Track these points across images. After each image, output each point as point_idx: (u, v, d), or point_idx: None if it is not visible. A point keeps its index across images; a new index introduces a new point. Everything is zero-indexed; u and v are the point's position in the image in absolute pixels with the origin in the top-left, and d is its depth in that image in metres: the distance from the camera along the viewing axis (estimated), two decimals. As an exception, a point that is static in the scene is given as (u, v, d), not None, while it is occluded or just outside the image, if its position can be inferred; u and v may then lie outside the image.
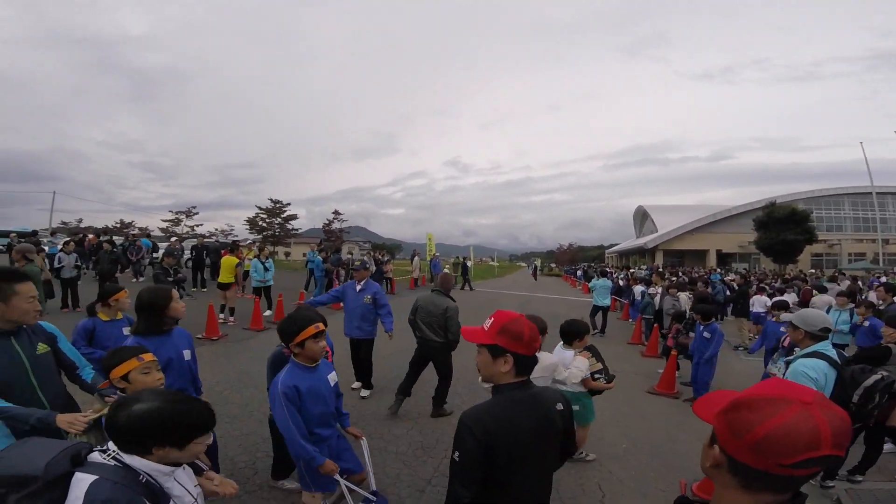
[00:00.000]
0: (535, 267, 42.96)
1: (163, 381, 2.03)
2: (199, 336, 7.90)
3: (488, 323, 1.64)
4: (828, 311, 6.72)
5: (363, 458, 2.81)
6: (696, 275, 19.49)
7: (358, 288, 5.56)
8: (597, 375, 3.85)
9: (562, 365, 3.72)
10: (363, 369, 5.82)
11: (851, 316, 6.52)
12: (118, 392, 1.93)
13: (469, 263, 25.54)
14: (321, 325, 2.48)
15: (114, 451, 1.28)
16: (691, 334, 6.46)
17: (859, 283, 15.20)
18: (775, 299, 7.21)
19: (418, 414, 5.07)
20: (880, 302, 6.83)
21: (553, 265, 67.93)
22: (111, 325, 3.61)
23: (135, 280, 13.04)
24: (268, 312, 10.26)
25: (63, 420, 1.96)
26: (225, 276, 9.74)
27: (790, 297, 11.68)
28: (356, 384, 5.82)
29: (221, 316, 9.36)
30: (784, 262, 35.56)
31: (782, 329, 5.53)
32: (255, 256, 11.19)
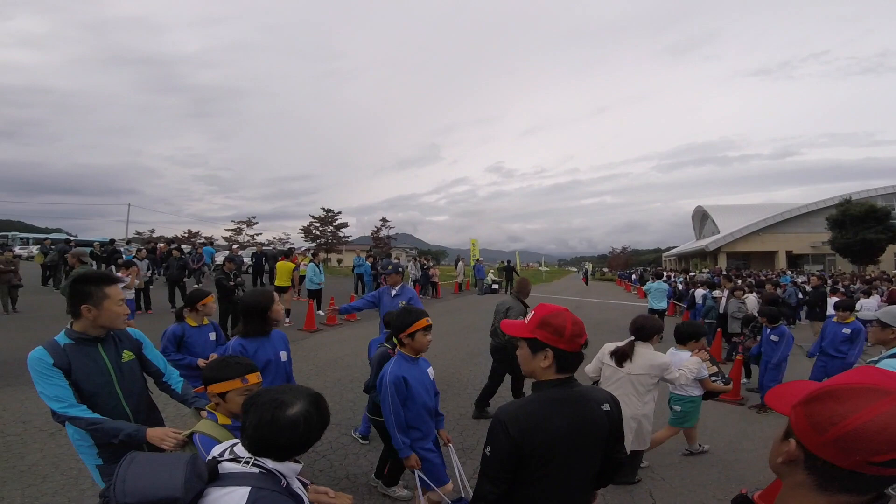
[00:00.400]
0: (587, 271, 41.74)
1: None
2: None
3: (529, 315, 1.58)
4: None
5: (450, 464, 2.81)
6: (764, 277, 18.16)
7: (393, 293, 5.27)
8: (714, 378, 3.87)
9: (674, 366, 3.61)
10: None
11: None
12: (209, 412, 1.83)
13: (515, 267, 25.22)
14: (430, 321, 2.66)
15: (250, 458, 1.20)
16: (758, 338, 6.03)
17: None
18: (839, 300, 6.45)
19: (460, 415, 5.03)
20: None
21: (606, 269, 65.68)
22: (199, 330, 3.66)
23: (197, 285, 13.95)
24: (320, 313, 10.66)
25: (154, 436, 1.90)
26: (282, 280, 10.28)
27: (874, 300, 10.60)
28: None
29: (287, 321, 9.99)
30: (864, 263, 32.38)
31: (844, 331, 5.15)
32: (310, 261, 11.69)
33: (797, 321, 11.53)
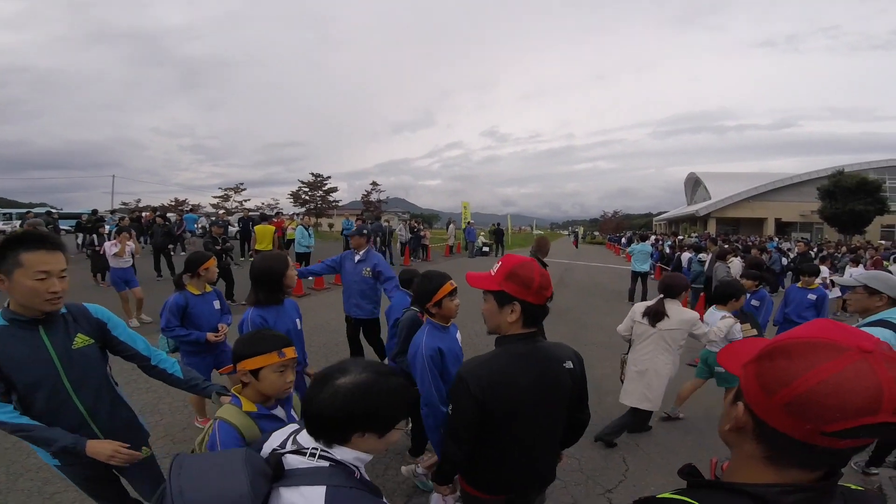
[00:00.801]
0: (577, 235, 41.90)
1: (293, 383, 1.66)
2: (244, 303, 8.24)
3: (496, 267, 1.50)
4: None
5: None
6: (751, 242, 18.33)
7: (356, 258, 4.63)
8: None
9: (706, 323, 3.71)
10: (375, 353, 5.06)
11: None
12: (232, 395, 1.61)
13: (503, 231, 25.27)
14: (454, 283, 2.41)
15: (317, 448, 1.03)
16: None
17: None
18: (806, 265, 6.29)
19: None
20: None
21: (596, 233, 66.00)
22: (202, 299, 3.34)
23: (182, 253, 13.83)
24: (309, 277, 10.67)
25: (97, 451, 1.62)
26: (262, 244, 10.25)
27: (861, 269, 10.75)
28: None
29: None
30: (851, 233, 32.84)
31: (809, 297, 5.20)
32: (298, 224, 11.57)
33: (781, 287, 11.70)
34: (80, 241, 14.26)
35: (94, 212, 16.42)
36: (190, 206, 45.31)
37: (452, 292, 2.39)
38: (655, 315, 3.47)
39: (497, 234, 23.26)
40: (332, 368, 1.09)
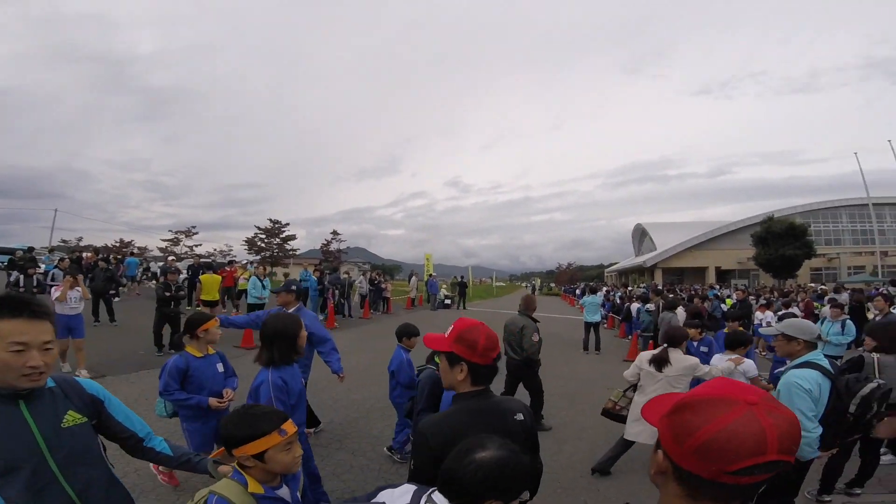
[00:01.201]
0: (534, 286, 42.87)
1: (301, 456, 1.59)
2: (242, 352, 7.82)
3: (449, 329, 1.62)
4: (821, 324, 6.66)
5: None
6: (694, 291, 19.41)
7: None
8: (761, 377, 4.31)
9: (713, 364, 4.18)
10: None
11: (844, 327, 6.44)
12: (234, 469, 1.52)
13: (467, 283, 25.55)
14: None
15: None
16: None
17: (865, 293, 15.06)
18: (781, 313, 6.95)
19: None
20: (877, 312, 6.77)
21: (553, 285, 67.74)
22: (205, 361, 3.18)
23: (116, 298, 12.84)
24: None
25: None
26: (208, 294, 9.93)
27: (768, 315, 11.51)
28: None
29: None
30: (783, 277, 35.43)
31: (701, 349, 5.42)
32: (251, 275, 11.24)
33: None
34: (12, 279, 13.14)
35: (30, 249, 15.34)
36: (136, 249, 43.17)
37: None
38: (660, 362, 3.88)
39: (460, 287, 23.43)
40: (473, 443, 1.18)
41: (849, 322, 6.60)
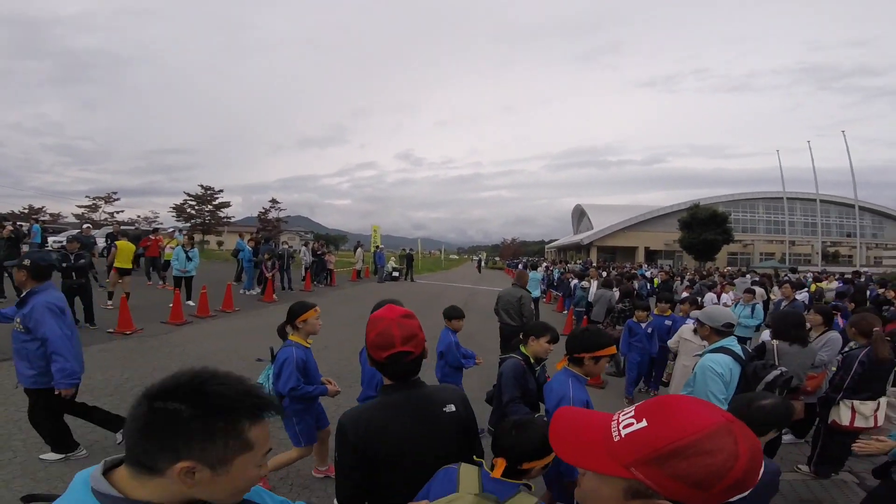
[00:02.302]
0: (480, 261, 43.68)
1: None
2: (111, 331, 7.24)
3: None
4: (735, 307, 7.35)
5: None
6: (625, 269, 20.68)
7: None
8: None
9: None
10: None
11: (753, 311, 7.16)
12: None
13: (414, 255, 25.54)
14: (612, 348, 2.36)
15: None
16: (619, 327, 6.74)
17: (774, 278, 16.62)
18: (662, 293, 7.04)
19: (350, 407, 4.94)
20: (783, 299, 7.58)
21: (497, 259, 69.41)
22: (309, 351, 3.19)
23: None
24: (189, 303, 9.74)
25: None
26: (122, 262, 9.27)
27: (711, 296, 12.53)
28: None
29: (110, 303, 9.03)
30: (704, 260, 38.62)
31: (666, 323, 5.76)
32: (177, 244, 10.51)
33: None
34: None
35: None
36: (47, 216, 38.89)
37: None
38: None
39: (407, 259, 23.35)
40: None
41: (758, 306, 7.34)
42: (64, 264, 7.22)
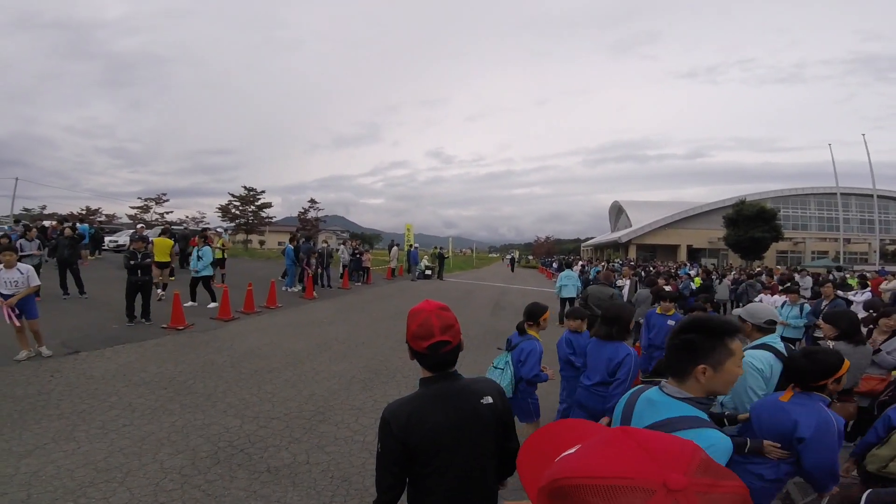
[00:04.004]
0: (513, 259, 43.36)
1: None
2: (164, 326, 7.72)
3: None
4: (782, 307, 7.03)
5: None
6: (663, 269, 20.03)
7: None
8: None
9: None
10: None
11: (802, 311, 6.81)
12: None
13: (447, 255, 25.72)
14: None
15: None
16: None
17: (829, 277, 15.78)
18: (662, 291, 6.59)
19: (386, 403, 5.09)
20: (824, 298, 7.21)
21: (530, 257, 68.65)
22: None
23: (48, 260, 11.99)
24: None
25: None
26: (160, 256, 10.06)
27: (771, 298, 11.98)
28: None
29: (161, 292, 10.28)
30: (751, 259, 36.85)
31: (669, 323, 5.18)
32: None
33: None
34: None
35: None
36: (103, 217, 41.64)
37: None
38: None
39: (439, 258, 23.57)
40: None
41: (806, 305, 6.99)
42: (132, 262, 7.76)
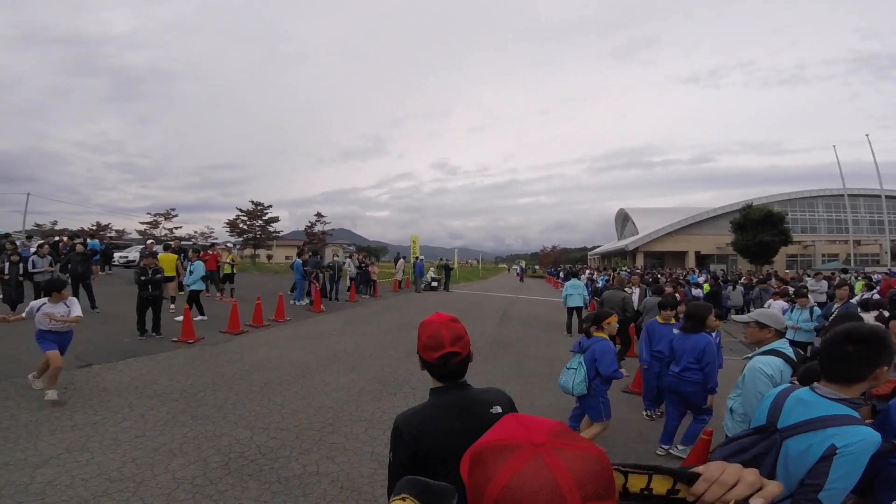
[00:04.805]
0: (522, 268, 43.27)
1: None
2: (175, 339, 7.80)
3: None
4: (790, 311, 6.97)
5: None
6: (674, 277, 19.89)
7: None
8: None
9: None
10: None
11: (812, 314, 6.75)
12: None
13: (452, 266, 25.76)
14: None
15: None
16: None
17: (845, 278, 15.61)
18: (662, 299, 6.57)
19: (394, 414, 5.09)
20: (837, 301, 7.14)
21: (537, 267, 68.46)
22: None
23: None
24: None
25: None
26: (167, 271, 9.77)
27: (780, 303, 11.86)
28: None
29: (172, 307, 10.41)
30: (760, 263, 36.47)
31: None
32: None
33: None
34: None
35: (6, 235, 14.92)
36: (113, 232, 42.15)
37: None
38: None
39: (445, 270, 23.61)
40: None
41: (815, 309, 6.93)
42: (143, 277, 7.87)
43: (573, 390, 4.08)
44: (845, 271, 18.59)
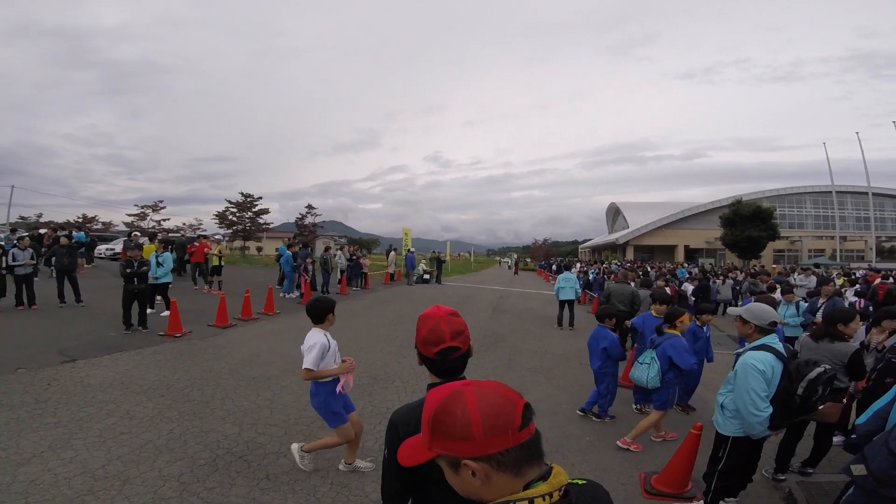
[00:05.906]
0: (516, 261, 43.39)
1: None
2: (162, 334, 7.69)
3: None
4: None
5: None
6: (665, 270, 20.05)
7: None
8: None
9: None
10: None
11: (798, 309, 6.83)
12: None
13: (445, 259, 25.74)
14: None
15: None
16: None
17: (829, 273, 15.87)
18: (653, 292, 6.63)
19: (386, 409, 5.07)
20: (824, 298, 7.23)
21: (528, 260, 68.71)
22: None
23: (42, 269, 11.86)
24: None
25: None
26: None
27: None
28: None
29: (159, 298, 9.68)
30: (748, 258, 36.96)
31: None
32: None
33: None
34: None
35: None
36: (100, 224, 41.47)
37: None
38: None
39: (437, 262, 23.58)
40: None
41: (802, 303, 7.01)
42: (128, 270, 7.74)
43: (647, 384, 4.30)
44: (818, 266, 18.89)
